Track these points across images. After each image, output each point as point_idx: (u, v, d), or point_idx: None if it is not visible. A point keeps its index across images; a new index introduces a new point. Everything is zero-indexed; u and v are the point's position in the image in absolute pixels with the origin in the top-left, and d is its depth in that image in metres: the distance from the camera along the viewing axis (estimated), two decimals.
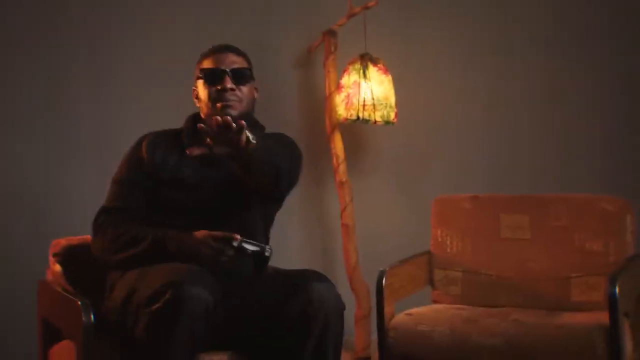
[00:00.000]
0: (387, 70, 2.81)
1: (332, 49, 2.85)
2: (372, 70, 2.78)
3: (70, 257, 2.05)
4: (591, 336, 1.92)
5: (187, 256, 1.77)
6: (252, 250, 1.79)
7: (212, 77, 1.94)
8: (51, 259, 2.09)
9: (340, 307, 1.81)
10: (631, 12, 2.90)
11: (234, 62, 1.97)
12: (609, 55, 2.91)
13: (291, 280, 1.79)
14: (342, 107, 2.80)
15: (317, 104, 2.97)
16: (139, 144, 2.00)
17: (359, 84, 2.76)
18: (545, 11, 2.95)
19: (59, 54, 2.81)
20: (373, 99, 2.75)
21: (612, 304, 1.90)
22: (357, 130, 2.99)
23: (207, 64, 1.97)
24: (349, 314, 2.81)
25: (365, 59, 2.79)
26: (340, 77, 2.84)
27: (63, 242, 2.09)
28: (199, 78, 1.99)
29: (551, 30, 2.95)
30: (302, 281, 1.78)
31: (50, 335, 2.02)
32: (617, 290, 1.90)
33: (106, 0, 2.86)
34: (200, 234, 1.79)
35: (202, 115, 1.99)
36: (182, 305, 1.64)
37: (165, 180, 1.92)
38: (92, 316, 1.78)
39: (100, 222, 1.91)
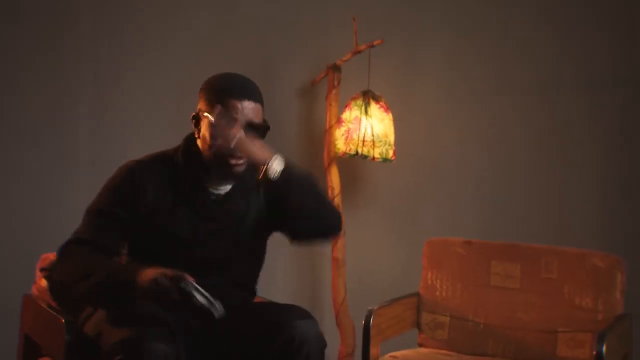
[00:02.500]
0: (388, 108, 2.83)
1: (335, 83, 2.87)
2: (374, 108, 2.80)
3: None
4: None
5: (134, 291, 1.64)
6: (201, 305, 1.59)
7: (229, 126, 1.74)
8: (38, 273, 2.07)
9: (322, 346, 1.79)
10: (633, 67, 2.94)
11: (258, 114, 1.79)
12: (608, 110, 2.94)
13: (274, 317, 1.76)
14: (342, 141, 2.81)
15: (316, 135, 2.98)
16: (126, 174, 1.81)
17: (360, 119, 2.78)
18: (549, 57, 2.99)
19: (61, 69, 2.81)
20: (373, 135, 2.77)
21: None
22: (353, 164, 2.99)
23: (234, 107, 1.76)
24: (333, 351, 2.79)
25: (368, 96, 2.81)
26: (341, 111, 2.86)
27: (51, 256, 2.06)
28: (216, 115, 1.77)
29: (555, 73, 2.98)
30: (285, 318, 1.75)
31: (32, 351, 1.99)
32: (604, 348, 1.89)
33: (112, 17, 2.88)
34: (154, 270, 1.64)
35: (203, 151, 1.81)
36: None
37: (154, 225, 1.77)
38: (75, 335, 1.75)
39: (66, 251, 1.76)
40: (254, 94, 1.81)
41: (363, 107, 2.79)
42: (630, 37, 2.93)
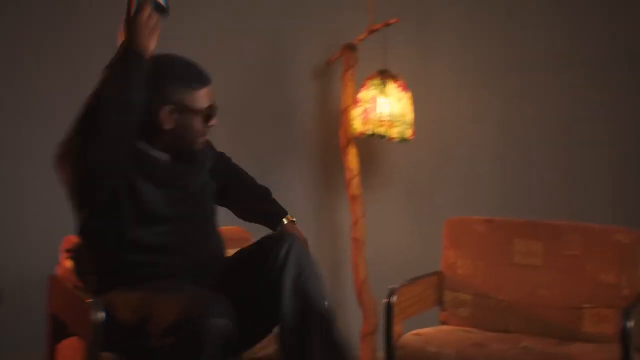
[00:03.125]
0: (406, 87, 2.82)
1: (351, 62, 2.85)
2: (392, 87, 2.78)
3: (81, 253, 2.03)
4: None
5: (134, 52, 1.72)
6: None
7: (210, 115, 1.85)
8: (62, 254, 2.08)
9: (307, 251, 1.79)
10: None
11: (213, 97, 1.88)
12: (628, 80, 2.92)
13: (254, 252, 1.81)
14: (359, 122, 2.80)
15: (333, 116, 2.97)
16: None
17: (377, 99, 2.77)
18: (564, 31, 2.97)
19: (75, 57, 2.80)
20: (391, 115, 2.75)
21: (625, 338, 1.90)
22: (371, 144, 2.98)
23: (202, 98, 1.84)
24: (355, 329, 2.80)
25: (385, 75, 2.79)
26: (357, 91, 2.85)
27: (75, 238, 2.06)
28: (186, 109, 1.83)
29: (570, 51, 2.96)
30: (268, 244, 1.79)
31: (59, 331, 2.00)
32: (630, 324, 1.89)
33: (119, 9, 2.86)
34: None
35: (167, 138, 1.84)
36: (206, 337, 1.59)
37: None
38: (101, 314, 1.76)
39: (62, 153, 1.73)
40: (209, 77, 1.90)
41: (381, 87, 2.77)
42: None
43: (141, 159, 1.82)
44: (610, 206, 2.86)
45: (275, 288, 1.73)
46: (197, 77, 1.87)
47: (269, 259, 1.75)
